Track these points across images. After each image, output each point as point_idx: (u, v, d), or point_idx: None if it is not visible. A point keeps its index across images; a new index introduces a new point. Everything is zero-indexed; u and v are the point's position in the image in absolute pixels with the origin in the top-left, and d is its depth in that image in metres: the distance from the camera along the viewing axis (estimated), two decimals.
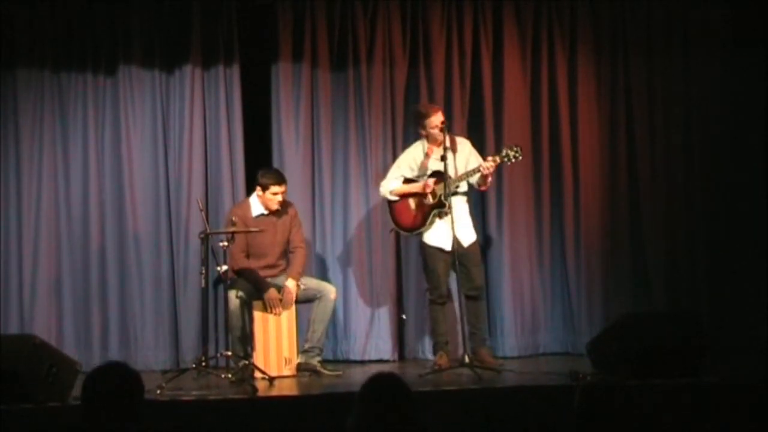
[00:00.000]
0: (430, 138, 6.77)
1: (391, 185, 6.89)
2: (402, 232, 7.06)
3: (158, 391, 5.83)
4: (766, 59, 7.59)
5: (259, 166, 7.12)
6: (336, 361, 7.31)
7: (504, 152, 6.64)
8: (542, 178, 7.69)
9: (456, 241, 6.60)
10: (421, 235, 6.80)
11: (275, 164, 7.45)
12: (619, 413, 3.31)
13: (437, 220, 6.67)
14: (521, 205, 7.64)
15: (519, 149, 6.65)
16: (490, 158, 6.66)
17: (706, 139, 7.69)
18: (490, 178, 6.69)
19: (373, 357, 7.45)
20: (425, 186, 6.71)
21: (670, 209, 7.68)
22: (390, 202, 6.92)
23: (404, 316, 7.54)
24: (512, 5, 7.69)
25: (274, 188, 6.73)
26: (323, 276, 7.42)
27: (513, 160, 6.66)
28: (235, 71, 7.49)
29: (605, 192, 7.69)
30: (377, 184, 7.49)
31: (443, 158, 6.52)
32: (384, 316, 7.52)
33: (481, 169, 6.58)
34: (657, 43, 7.74)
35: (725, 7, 7.66)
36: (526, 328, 7.58)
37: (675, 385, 5.48)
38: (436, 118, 6.71)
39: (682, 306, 7.40)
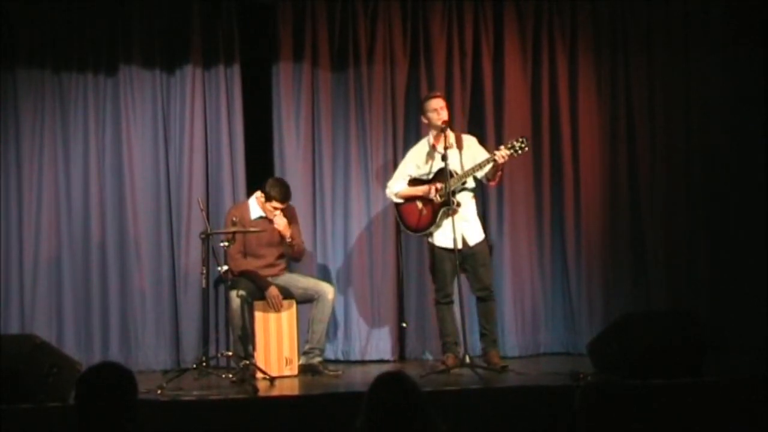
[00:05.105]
0: (432, 126, 6.73)
1: (396, 188, 6.84)
2: (411, 234, 6.96)
3: (159, 391, 5.84)
4: (766, 58, 7.60)
5: (260, 166, 7.16)
6: (336, 362, 7.32)
7: (510, 144, 6.56)
8: (543, 177, 7.69)
9: (462, 240, 6.59)
10: (429, 235, 6.73)
11: (275, 163, 7.48)
12: (619, 413, 3.31)
13: (446, 218, 6.54)
14: (522, 204, 7.64)
15: (524, 140, 6.59)
16: (502, 147, 6.58)
17: (706, 138, 7.70)
18: (500, 172, 6.61)
19: (374, 357, 7.45)
20: (431, 189, 6.65)
21: (670, 209, 7.68)
22: (397, 204, 6.88)
23: (404, 324, 7.53)
24: (513, 5, 7.69)
25: (276, 203, 6.73)
26: (324, 276, 7.42)
27: (520, 152, 6.59)
28: (236, 71, 7.49)
29: (605, 192, 7.69)
30: (378, 184, 7.52)
31: (444, 158, 6.49)
32: (384, 316, 7.51)
33: (496, 157, 6.47)
34: (657, 43, 7.75)
35: (725, 6, 7.66)
36: (527, 327, 7.58)
37: (675, 385, 5.49)
38: (435, 102, 6.67)
39: (682, 306, 7.39)
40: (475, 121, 7.62)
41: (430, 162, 6.76)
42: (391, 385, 3.22)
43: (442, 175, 6.55)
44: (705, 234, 7.66)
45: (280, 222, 6.71)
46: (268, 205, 6.76)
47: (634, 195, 7.70)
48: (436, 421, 3.20)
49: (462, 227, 6.59)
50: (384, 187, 7.14)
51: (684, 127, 7.74)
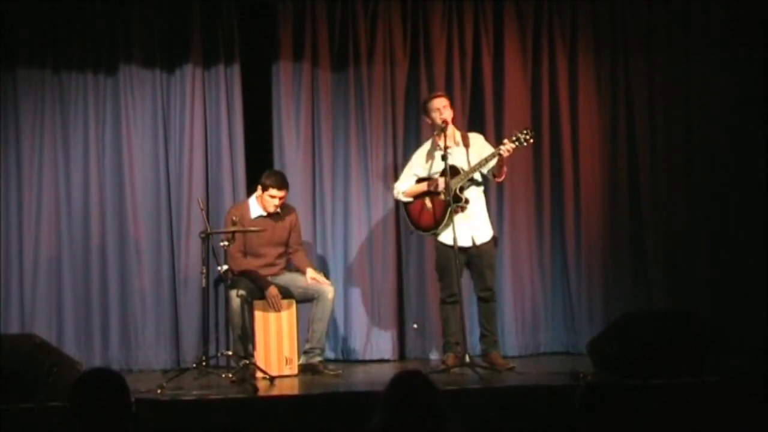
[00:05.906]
0: (435, 126, 6.72)
1: (403, 186, 6.82)
2: (421, 233, 6.90)
3: (159, 391, 5.83)
4: (766, 58, 7.60)
5: (260, 166, 7.13)
6: (336, 361, 7.31)
7: (515, 136, 6.54)
8: (543, 177, 7.69)
9: (471, 239, 6.57)
10: (437, 234, 6.68)
11: (276, 163, 7.47)
12: (619, 413, 3.31)
13: (455, 215, 6.47)
14: (521, 204, 7.64)
15: (528, 131, 6.57)
16: (506, 140, 6.54)
17: (706, 138, 7.70)
18: (505, 167, 6.58)
19: (374, 357, 7.45)
20: (437, 181, 6.61)
21: (670, 209, 7.69)
22: (405, 204, 6.84)
23: (416, 325, 7.51)
24: (513, 5, 7.70)
25: (273, 191, 6.73)
26: (324, 275, 7.41)
27: (525, 143, 6.55)
28: (236, 71, 7.49)
29: (605, 192, 7.70)
30: (378, 184, 7.52)
31: (444, 157, 6.47)
32: (384, 316, 7.51)
33: (501, 151, 6.44)
34: (657, 43, 7.75)
35: (725, 6, 7.67)
36: (527, 327, 7.58)
37: (675, 385, 5.49)
38: (438, 102, 6.65)
39: (682, 306, 7.39)
40: (475, 120, 7.61)
41: (432, 161, 6.73)
42: (409, 384, 3.20)
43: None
44: (705, 234, 7.66)
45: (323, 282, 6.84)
46: (266, 196, 6.75)
47: (633, 195, 7.70)
48: (453, 421, 3.18)
49: (471, 225, 6.58)
50: (384, 187, 7.13)
51: (684, 127, 7.75)
